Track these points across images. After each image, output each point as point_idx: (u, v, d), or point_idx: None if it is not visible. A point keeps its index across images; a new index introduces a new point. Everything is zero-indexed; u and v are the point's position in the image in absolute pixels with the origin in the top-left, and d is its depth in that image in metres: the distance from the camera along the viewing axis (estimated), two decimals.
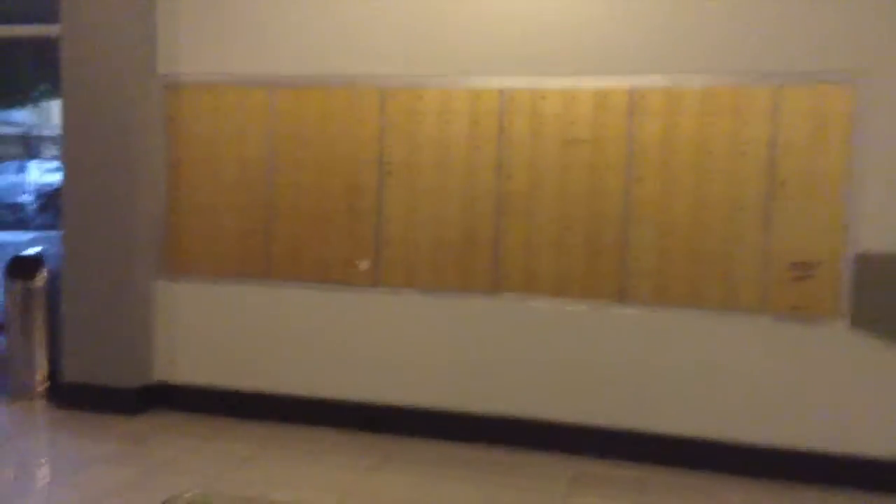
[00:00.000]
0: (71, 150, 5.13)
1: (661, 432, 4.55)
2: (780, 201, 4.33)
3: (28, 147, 17.83)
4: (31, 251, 5.49)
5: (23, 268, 5.38)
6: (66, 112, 5.12)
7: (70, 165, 5.14)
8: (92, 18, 5.04)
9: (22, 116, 17.73)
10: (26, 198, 14.57)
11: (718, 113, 4.39)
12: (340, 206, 4.96)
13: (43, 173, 16.30)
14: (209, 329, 5.22)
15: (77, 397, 5.19)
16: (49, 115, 19.11)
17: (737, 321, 4.41)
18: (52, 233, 7.23)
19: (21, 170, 16.12)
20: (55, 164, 17.82)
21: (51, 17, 5.23)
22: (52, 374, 5.36)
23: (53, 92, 17.70)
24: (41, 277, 5.35)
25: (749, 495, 4.20)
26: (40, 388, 5.37)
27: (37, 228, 12.62)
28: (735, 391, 4.44)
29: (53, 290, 5.34)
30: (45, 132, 18.58)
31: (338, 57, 4.91)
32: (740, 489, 4.27)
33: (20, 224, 13.44)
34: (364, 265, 4.94)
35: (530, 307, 4.72)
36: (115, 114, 5.06)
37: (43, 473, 4.40)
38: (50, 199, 14.29)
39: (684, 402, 4.52)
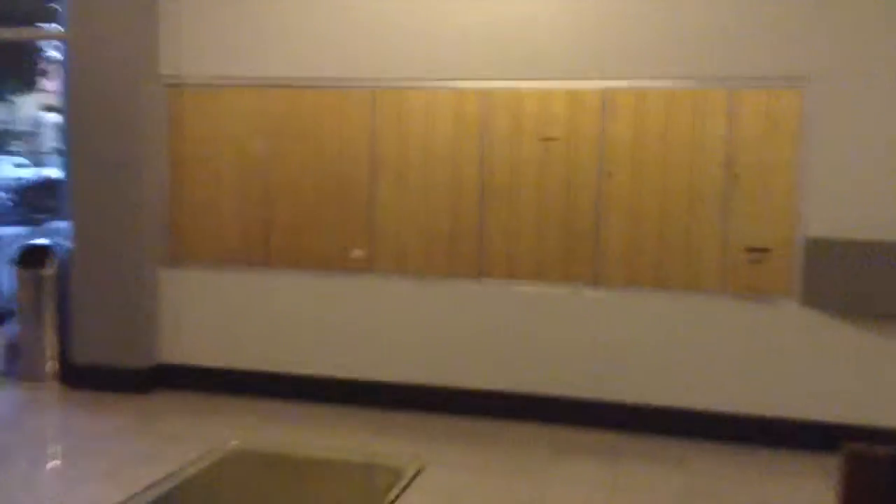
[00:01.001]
0: (76, 147, 5.44)
1: (633, 402, 5.01)
2: (736, 192, 4.80)
3: None
4: (40, 241, 5.79)
5: (33, 257, 5.68)
6: (71, 111, 5.43)
7: (75, 162, 5.45)
8: (98, 22, 5.35)
9: None
10: None
11: (681, 113, 4.84)
12: (335, 199, 5.34)
13: (13, 168, 16.38)
14: (211, 313, 5.57)
15: (86, 378, 5.52)
16: (17, 111, 19.16)
17: (699, 301, 4.88)
18: (52, 225, 7.52)
19: None
20: (24, 158, 17.89)
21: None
22: (62, 358, 5.67)
23: (23, 88, 17.71)
24: (51, 266, 5.66)
25: (712, 458, 4.68)
26: (51, 371, 5.68)
27: (12, 223, 12.70)
28: (699, 364, 4.92)
29: (62, 278, 5.65)
30: (14, 127, 18.69)
31: (332, 61, 5.28)
32: (705, 453, 4.75)
33: None
34: (358, 253, 5.33)
35: (512, 290, 5.14)
36: (119, 113, 5.39)
37: (66, 445, 4.73)
38: (24, 194, 14.36)
39: (653, 375, 4.98)
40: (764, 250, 4.79)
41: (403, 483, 2.60)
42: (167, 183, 5.55)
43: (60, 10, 5.59)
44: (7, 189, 14.93)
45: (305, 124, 5.35)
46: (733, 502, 4.12)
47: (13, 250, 5.88)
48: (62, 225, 7.35)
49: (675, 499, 4.13)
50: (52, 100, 20.64)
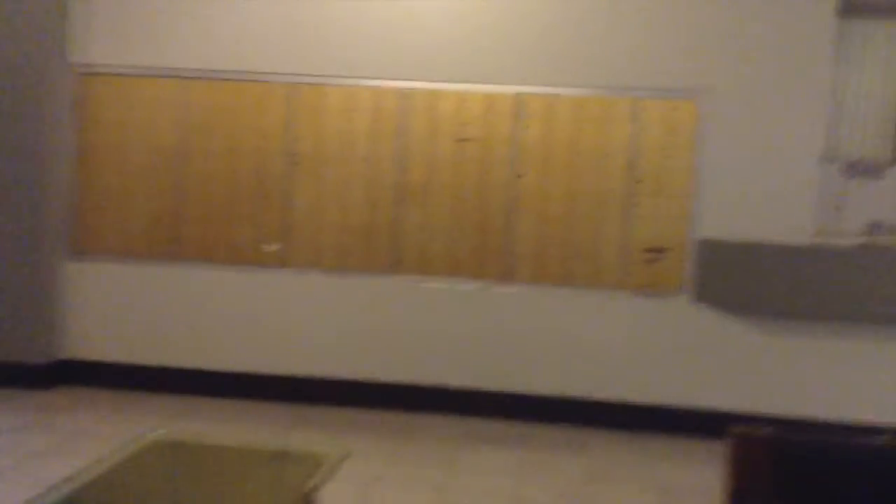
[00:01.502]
0: None
1: (539, 393, 5.25)
2: (636, 196, 5.11)
3: None
4: None
5: None
6: None
7: None
8: (2, 4, 5.17)
9: None
10: None
11: (588, 119, 5.12)
12: (250, 192, 5.35)
13: None
14: (118, 307, 5.46)
15: None
16: None
17: (601, 297, 5.18)
18: None
19: None
20: None
21: None
22: None
23: None
24: None
25: (612, 444, 4.96)
26: None
27: None
28: (600, 356, 5.21)
29: None
30: None
31: (248, 55, 5.30)
32: (605, 440, 5.03)
33: None
34: (272, 247, 5.36)
35: (426, 286, 5.30)
36: (24, 99, 5.22)
37: None
38: None
39: (559, 367, 5.24)
40: (660, 250, 5.13)
41: (325, 470, 2.71)
42: (74, 172, 5.42)
43: None
44: None
45: (221, 117, 5.33)
46: (630, 484, 4.41)
47: None
48: None
49: (576, 483, 4.38)
50: None
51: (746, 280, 5.02)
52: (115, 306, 5.47)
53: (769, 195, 5.05)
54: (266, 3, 5.28)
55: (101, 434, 4.59)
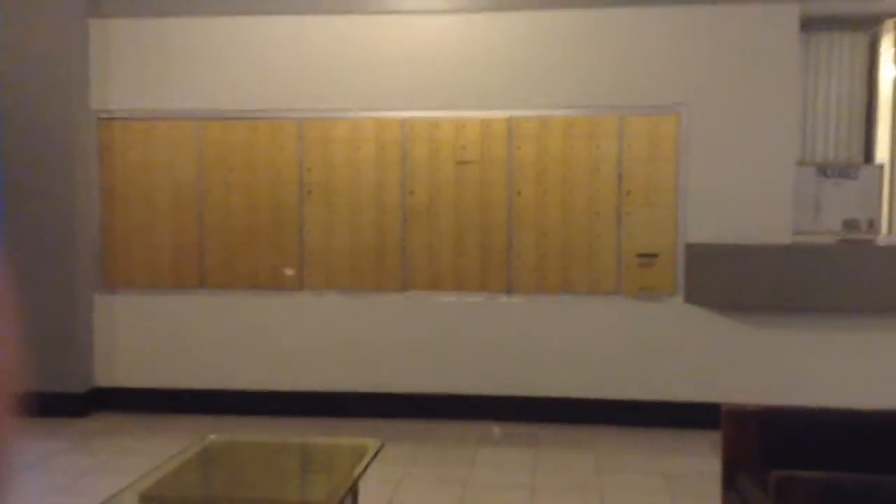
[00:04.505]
0: (11, 178, 5.60)
1: (545, 395, 5.60)
2: (627, 206, 5.50)
3: None
4: None
5: None
6: (6, 144, 5.60)
7: (10, 192, 5.61)
8: (28, 58, 5.57)
9: None
10: None
11: (578, 137, 5.52)
12: (266, 221, 5.72)
13: None
14: (146, 336, 5.81)
15: (23, 406, 5.61)
16: None
17: (599, 302, 5.55)
18: None
19: None
20: None
21: None
22: None
23: None
24: None
25: (618, 440, 5.31)
26: None
27: None
28: (601, 358, 5.57)
29: None
30: None
31: (260, 94, 5.69)
32: (611, 435, 5.38)
33: None
34: (289, 272, 5.72)
35: (435, 301, 5.66)
36: (52, 146, 5.60)
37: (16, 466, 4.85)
38: None
39: (562, 370, 5.59)
40: (652, 256, 5.51)
41: (369, 456, 3.05)
42: (101, 212, 5.78)
43: None
44: None
45: (238, 153, 5.72)
46: (636, 473, 4.75)
47: None
48: None
49: (586, 474, 4.72)
50: None
51: (733, 279, 5.40)
52: (143, 336, 5.81)
53: (750, 199, 5.44)
54: (274, 47, 5.68)
55: (142, 452, 4.91)
